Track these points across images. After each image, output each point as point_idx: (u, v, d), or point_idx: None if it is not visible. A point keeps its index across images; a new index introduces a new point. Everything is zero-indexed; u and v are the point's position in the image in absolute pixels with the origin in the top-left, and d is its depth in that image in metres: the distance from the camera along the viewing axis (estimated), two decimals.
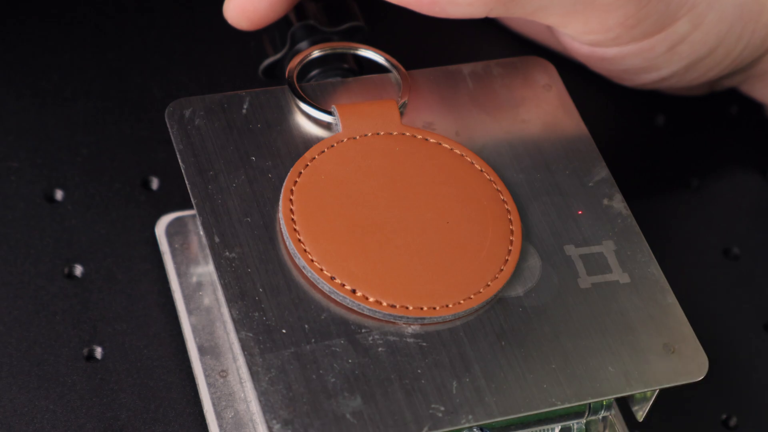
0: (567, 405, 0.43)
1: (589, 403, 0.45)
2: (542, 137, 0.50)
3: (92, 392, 0.49)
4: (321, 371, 0.42)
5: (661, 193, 0.58)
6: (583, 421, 0.46)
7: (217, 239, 0.46)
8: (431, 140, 0.48)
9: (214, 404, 0.48)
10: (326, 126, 0.49)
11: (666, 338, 0.45)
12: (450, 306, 0.44)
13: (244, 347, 0.43)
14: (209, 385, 0.48)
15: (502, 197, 0.47)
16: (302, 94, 0.50)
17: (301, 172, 0.47)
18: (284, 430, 0.42)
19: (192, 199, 0.47)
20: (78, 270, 0.52)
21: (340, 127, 0.48)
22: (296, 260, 0.45)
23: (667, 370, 0.44)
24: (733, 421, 0.51)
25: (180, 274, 0.51)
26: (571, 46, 0.55)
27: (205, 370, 0.49)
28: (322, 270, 0.44)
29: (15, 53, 0.58)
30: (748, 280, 0.55)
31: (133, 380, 0.49)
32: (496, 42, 0.62)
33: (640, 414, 0.46)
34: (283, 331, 0.43)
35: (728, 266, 0.56)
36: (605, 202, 0.48)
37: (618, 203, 0.48)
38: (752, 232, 0.57)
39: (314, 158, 0.47)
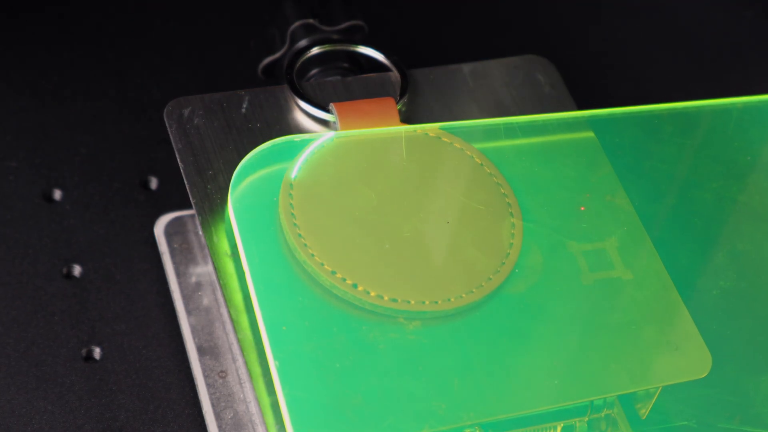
0: (569, 402, 0.43)
1: (592, 401, 0.45)
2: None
3: (91, 393, 0.48)
4: (321, 368, 0.42)
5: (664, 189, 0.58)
6: (586, 418, 0.46)
7: (216, 239, 0.45)
8: (431, 135, 0.48)
9: (213, 405, 0.48)
10: (325, 124, 0.49)
11: (669, 335, 0.45)
12: (451, 300, 0.44)
13: (244, 347, 0.43)
14: (208, 385, 0.48)
15: (503, 191, 0.47)
16: (302, 92, 0.50)
17: (300, 167, 0.46)
18: (284, 429, 0.41)
19: (191, 199, 0.47)
20: (77, 270, 0.52)
21: (338, 125, 0.48)
22: (296, 255, 0.44)
23: (671, 367, 0.44)
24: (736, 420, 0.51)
25: (179, 274, 0.51)
26: None
27: (204, 371, 0.48)
28: (322, 265, 0.44)
29: (13, 52, 0.59)
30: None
31: (131, 381, 0.49)
32: (497, 41, 0.62)
33: (643, 411, 0.46)
34: (284, 328, 0.43)
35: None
36: (608, 198, 0.48)
37: (621, 199, 0.48)
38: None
39: (314, 153, 0.47)
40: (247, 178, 0.46)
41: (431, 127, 0.48)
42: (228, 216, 0.45)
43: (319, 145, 0.47)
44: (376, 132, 0.48)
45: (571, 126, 0.50)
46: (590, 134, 0.50)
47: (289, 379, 0.41)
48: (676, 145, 0.52)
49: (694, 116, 0.53)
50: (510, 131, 0.49)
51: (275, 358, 0.42)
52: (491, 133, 0.49)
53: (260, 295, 0.43)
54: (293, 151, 0.47)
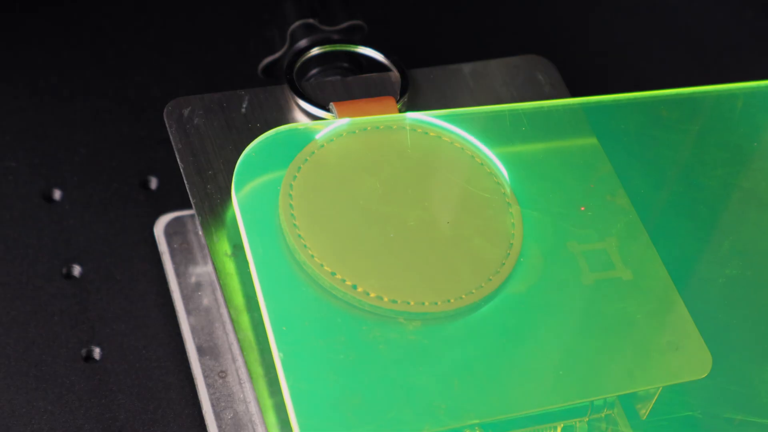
0: (569, 403, 0.43)
1: (592, 401, 0.45)
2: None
3: (91, 393, 0.48)
4: (321, 368, 0.42)
5: (664, 189, 0.58)
6: (586, 419, 0.46)
7: (216, 239, 0.45)
8: (431, 134, 0.48)
9: (213, 405, 0.48)
10: None
11: (669, 335, 0.45)
12: (451, 301, 0.44)
13: (244, 347, 0.43)
14: (208, 385, 0.48)
15: (503, 191, 0.47)
16: (302, 92, 0.50)
17: (300, 168, 0.46)
18: (284, 429, 0.41)
19: (191, 199, 0.47)
20: (76, 270, 0.52)
21: None
22: (296, 256, 0.44)
23: (671, 367, 0.44)
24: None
25: (179, 274, 0.51)
26: None
27: (204, 371, 0.48)
28: (322, 266, 0.44)
29: (13, 52, 0.58)
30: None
31: (131, 381, 0.49)
32: (497, 41, 0.62)
33: (644, 412, 0.46)
34: (284, 328, 0.43)
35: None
36: (608, 198, 0.48)
37: (621, 199, 0.48)
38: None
39: (313, 153, 0.47)
40: (252, 167, 0.46)
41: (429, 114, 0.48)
42: (231, 210, 0.45)
43: (317, 145, 0.47)
44: (380, 119, 0.48)
45: (572, 114, 0.50)
46: (589, 131, 0.50)
47: (293, 370, 0.41)
48: (679, 131, 0.52)
49: (698, 102, 0.53)
50: (512, 118, 0.49)
51: (279, 349, 0.42)
52: (491, 122, 0.49)
53: (263, 282, 0.43)
54: (297, 139, 0.47)
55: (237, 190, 0.45)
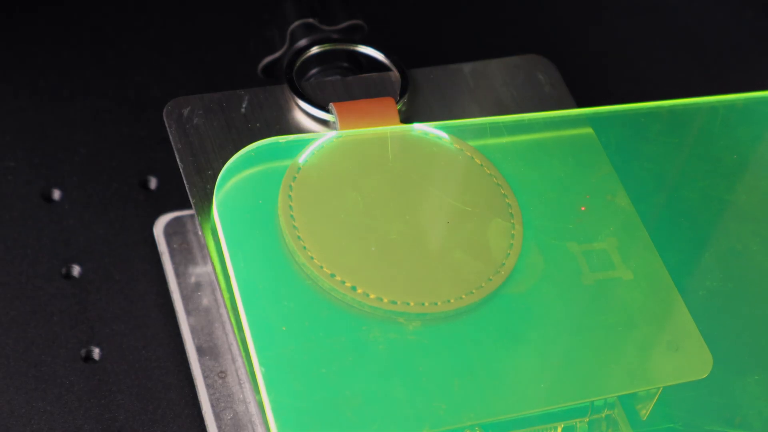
0: (569, 403, 0.43)
1: (592, 401, 0.45)
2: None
3: (90, 393, 0.48)
4: (321, 369, 0.42)
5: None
6: (586, 419, 0.46)
7: (215, 239, 0.45)
8: (431, 135, 0.48)
9: (212, 405, 0.48)
10: (325, 124, 0.49)
11: (670, 335, 0.45)
12: (451, 302, 0.44)
13: (244, 347, 0.43)
14: (208, 386, 0.48)
15: (503, 192, 0.47)
16: (301, 92, 0.49)
17: (299, 169, 0.46)
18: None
19: (190, 199, 0.47)
20: (76, 270, 0.52)
21: (338, 125, 0.48)
22: (295, 257, 0.44)
23: (671, 367, 0.44)
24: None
25: (178, 275, 0.51)
26: None
27: (203, 371, 0.48)
28: (321, 267, 0.44)
29: (13, 52, 0.58)
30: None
31: (131, 381, 0.49)
32: (497, 41, 0.62)
33: (644, 412, 0.46)
34: (283, 329, 0.43)
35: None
36: (608, 198, 0.48)
37: (621, 199, 0.48)
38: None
39: (313, 154, 0.47)
40: (233, 181, 0.46)
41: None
42: (213, 219, 0.45)
43: (317, 146, 0.47)
44: (371, 131, 0.48)
45: (557, 125, 0.50)
46: (590, 131, 0.50)
47: (275, 385, 0.41)
48: (661, 143, 0.52)
49: (679, 114, 0.53)
50: (498, 131, 0.49)
51: (261, 364, 0.42)
52: (486, 133, 0.49)
53: (246, 299, 0.43)
54: (279, 152, 0.47)
55: (219, 205, 0.45)
